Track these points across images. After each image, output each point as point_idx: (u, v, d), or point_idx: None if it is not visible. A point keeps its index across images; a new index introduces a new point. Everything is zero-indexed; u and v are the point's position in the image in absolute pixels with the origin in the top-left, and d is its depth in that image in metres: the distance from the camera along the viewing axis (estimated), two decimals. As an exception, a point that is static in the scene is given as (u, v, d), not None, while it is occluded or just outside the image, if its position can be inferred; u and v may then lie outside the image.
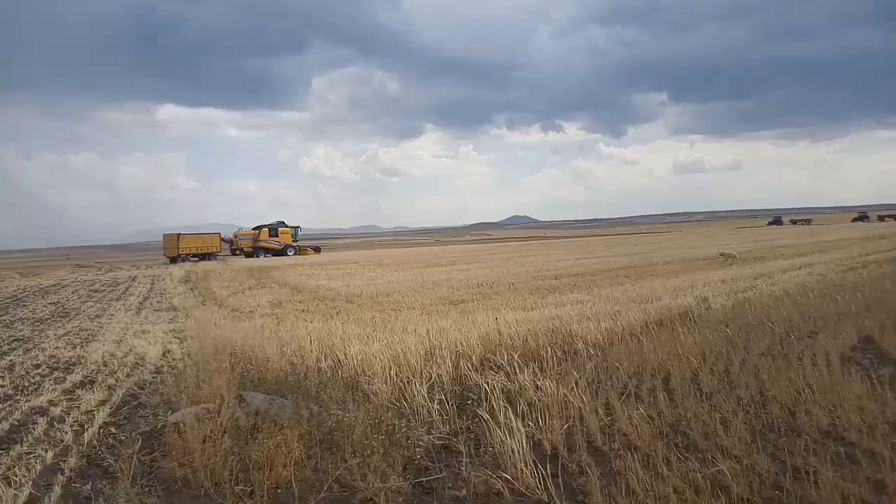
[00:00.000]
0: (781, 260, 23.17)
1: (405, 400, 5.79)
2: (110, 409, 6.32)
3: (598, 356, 7.08)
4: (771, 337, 7.63)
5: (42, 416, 6.23)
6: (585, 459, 4.18)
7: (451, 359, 7.05)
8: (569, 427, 4.83)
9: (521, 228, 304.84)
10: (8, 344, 11.39)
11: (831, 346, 6.56)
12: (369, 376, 6.64)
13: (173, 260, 54.04)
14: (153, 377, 7.70)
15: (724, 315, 9.63)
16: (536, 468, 3.92)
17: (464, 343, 7.72)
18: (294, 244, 60.93)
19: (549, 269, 23.21)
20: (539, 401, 5.36)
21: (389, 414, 5.14)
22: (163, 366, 8.50)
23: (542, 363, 6.81)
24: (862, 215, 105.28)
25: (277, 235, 59.91)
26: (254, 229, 60.46)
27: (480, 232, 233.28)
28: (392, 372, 6.72)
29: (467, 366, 6.57)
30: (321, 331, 9.68)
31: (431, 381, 6.29)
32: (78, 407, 6.49)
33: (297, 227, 63.16)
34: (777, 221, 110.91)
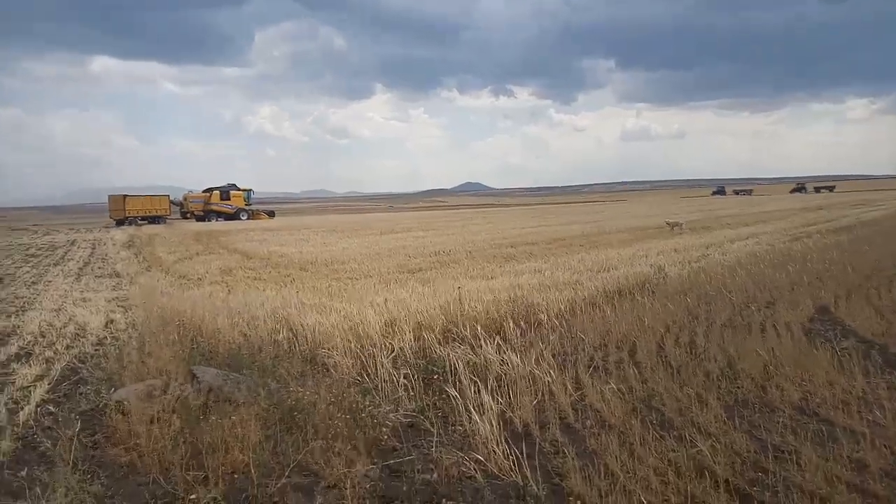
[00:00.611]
0: (728, 230, 23.76)
1: (367, 375, 5.58)
2: (48, 384, 5.87)
3: (561, 327, 7.01)
4: (731, 307, 7.71)
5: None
6: (559, 438, 4.07)
7: (412, 331, 6.85)
8: (538, 403, 4.71)
9: (474, 195, 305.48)
10: (-70, 313, 10.58)
11: (791, 317, 6.67)
12: (328, 349, 6.38)
13: (119, 223, 51.44)
14: (95, 350, 7.22)
15: (682, 285, 9.73)
16: (510, 448, 3.76)
17: (425, 314, 7.53)
18: (247, 208, 58.64)
19: (505, 237, 23.18)
20: (506, 375, 5.24)
21: (353, 390, 4.90)
22: (105, 337, 8.00)
23: (505, 335, 6.69)
24: (799, 186, 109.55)
25: (229, 199, 57.39)
26: (204, 192, 57.85)
27: (434, 199, 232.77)
28: (352, 345, 6.48)
29: (430, 338, 6.37)
30: (275, 300, 9.32)
31: (394, 354, 6.09)
32: (13, 382, 6.00)
33: (250, 189, 60.82)
34: (720, 192, 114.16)
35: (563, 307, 8.02)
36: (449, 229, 30.72)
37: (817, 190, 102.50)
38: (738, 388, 4.75)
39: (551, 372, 5.13)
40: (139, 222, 51.90)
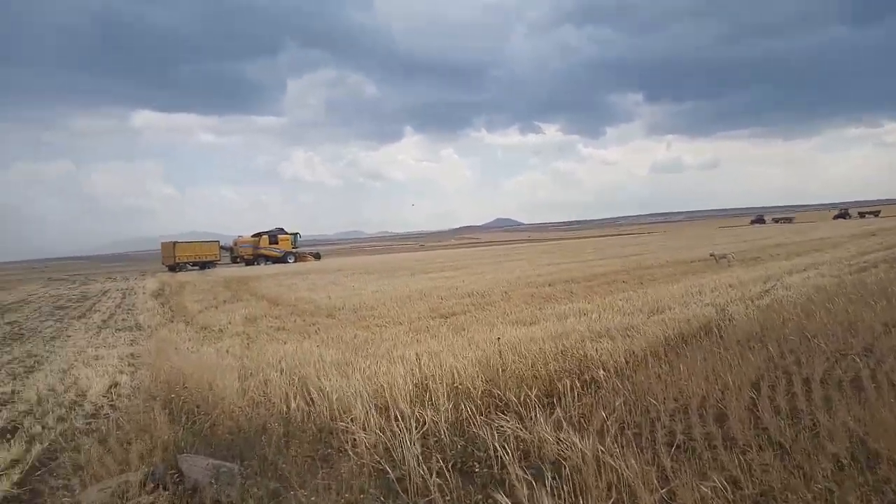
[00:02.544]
0: (781, 261, 22.18)
1: (393, 458, 4.55)
2: (19, 475, 4.98)
3: (624, 387, 5.89)
4: (823, 357, 6.47)
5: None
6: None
7: (446, 395, 5.82)
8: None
9: (506, 231, 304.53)
10: (-61, 376, 9.94)
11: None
12: (348, 422, 5.39)
13: (171, 268, 52.91)
14: (87, 424, 6.34)
15: (752, 328, 8.48)
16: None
17: (461, 372, 6.49)
18: (294, 251, 59.35)
19: (541, 274, 22.02)
20: (565, 459, 4.15)
21: (373, 484, 3.89)
22: (103, 406, 7.14)
23: (559, 398, 5.62)
24: (843, 212, 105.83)
25: (277, 242, 58.31)
26: (253, 236, 58.81)
27: (465, 237, 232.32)
28: (376, 415, 5.48)
29: (469, 408, 5.31)
30: (294, 356, 8.39)
31: (425, 428, 5.06)
32: (-20, 471, 5.15)
33: (297, 233, 61.64)
34: (760, 220, 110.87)
35: (621, 360, 6.90)
36: (481, 268, 29.64)
37: (862, 215, 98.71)
38: (886, 481, 3.56)
39: (623, 454, 4.03)
40: (189, 268, 52.69)
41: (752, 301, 11.33)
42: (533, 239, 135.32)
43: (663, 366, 6.59)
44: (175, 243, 56.03)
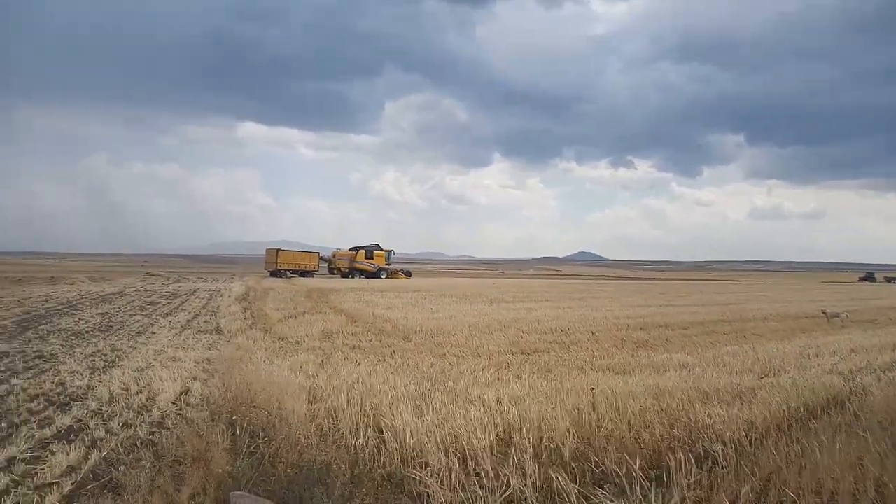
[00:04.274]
0: (904, 325, 19.89)
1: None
2: (70, 486, 4.67)
3: (747, 469, 4.92)
4: None
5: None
6: None
7: (533, 451, 5.09)
8: None
9: (588, 265, 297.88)
10: (25, 362, 10.18)
11: None
12: (420, 471, 4.75)
13: (273, 274, 55.57)
14: (149, 435, 6.04)
15: (892, 405, 7.21)
16: None
17: (550, 424, 5.74)
18: (387, 267, 60.80)
19: (630, 316, 20.67)
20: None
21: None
22: (170, 414, 6.86)
23: (668, 473, 4.75)
24: (868, 275, 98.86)
25: (372, 258, 60.09)
26: (350, 250, 60.74)
27: (545, 267, 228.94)
28: (454, 465, 4.82)
29: (559, 476, 4.52)
30: (367, 381, 7.89)
31: (509, 493, 4.35)
32: (34, 475, 4.88)
33: (391, 250, 63.24)
34: (870, 277, 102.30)
35: (739, 431, 5.89)
36: (564, 302, 28.42)
37: (889, 280, 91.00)
38: None
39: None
40: (289, 274, 54.86)
41: (884, 372, 9.87)
42: (616, 276, 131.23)
43: (792, 444, 5.55)
44: (279, 250, 58.67)
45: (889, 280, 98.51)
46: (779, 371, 9.88)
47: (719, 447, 5.27)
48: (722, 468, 4.94)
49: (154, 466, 4.79)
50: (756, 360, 11.01)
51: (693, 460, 5.01)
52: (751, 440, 5.71)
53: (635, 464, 4.67)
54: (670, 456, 4.88)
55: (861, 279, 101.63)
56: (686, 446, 5.31)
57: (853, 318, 21.93)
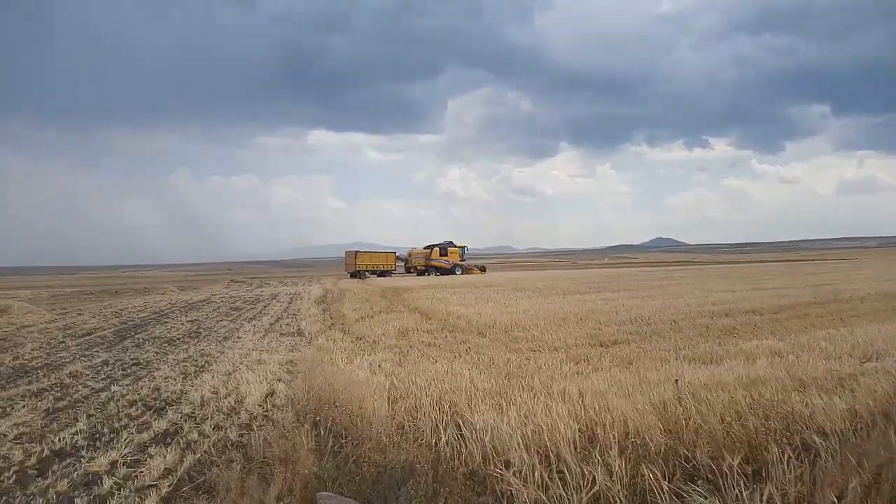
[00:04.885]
0: None
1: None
2: (168, 488, 4.90)
3: (854, 462, 4.56)
4: None
5: (86, 488, 4.96)
6: None
7: (619, 448, 4.91)
8: None
9: (666, 252, 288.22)
10: (123, 369, 10.84)
11: None
12: (502, 469, 4.69)
13: (353, 275, 57.28)
14: (239, 436, 6.29)
15: None
16: None
17: (634, 418, 5.54)
18: (461, 263, 61.59)
19: (714, 302, 19.79)
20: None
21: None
22: (257, 416, 7.12)
23: (765, 468, 4.47)
24: None
25: (447, 255, 61.08)
26: (425, 248, 61.89)
27: (621, 256, 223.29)
28: (536, 463, 4.72)
29: (650, 472, 4.34)
30: (445, 378, 7.89)
31: (595, 490, 4.22)
32: (135, 478, 5.16)
33: (465, 246, 64.25)
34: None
35: (841, 421, 5.48)
36: (643, 290, 27.53)
37: None
38: None
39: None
40: (368, 275, 56.57)
41: None
42: (698, 261, 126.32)
43: (900, 434, 5.11)
44: (357, 252, 60.44)
45: None
46: (882, 355, 9.14)
47: (819, 439, 4.92)
48: (825, 461, 4.61)
49: (244, 468, 4.96)
50: (856, 343, 10.25)
51: (792, 453, 4.71)
52: (855, 430, 5.29)
53: (732, 459, 4.42)
54: (766, 449, 4.59)
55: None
56: (784, 439, 4.98)
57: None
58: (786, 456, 4.54)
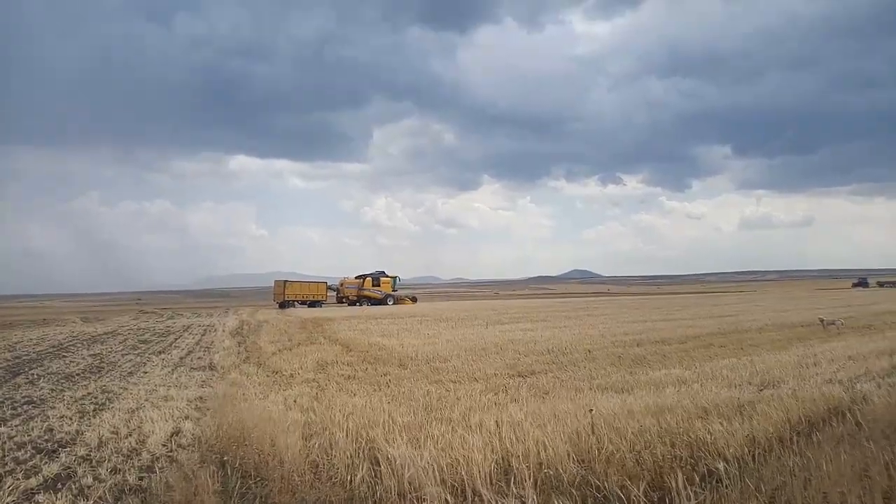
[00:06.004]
0: (899, 330, 19.86)
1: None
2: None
3: (752, 486, 4.80)
4: None
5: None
6: None
7: (533, 479, 4.97)
8: None
9: (583, 283, 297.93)
10: (14, 409, 9.95)
11: None
12: (418, 504, 4.63)
13: (281, 305, 55.69)
14: (137, 480, 5.88)
15: (893, 412, 7.11)
16: None
17: (548, 448, 5.63)
18: (393, 294, 61.00)
19: (627, 332, 20.60)
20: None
21: None
22: (160, 457, 6.69)
23: (669, 495, 4.64)
24: (861, 281, 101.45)
25: (379, 285, 60.29)
26: (356, 278, 60.88)
27: (541, 286, 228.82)
28: (446, 498, 4.70)
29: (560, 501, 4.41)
30: (363, 412, 7.75)
31: (509, 525, 4.23)
32: (18, 530, 4.72)
33: (397, 276, 63.78)
34: (863, 283, 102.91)
35: (741, 447, 5.79)
36: (560, 321, 28.31)
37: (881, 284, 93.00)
38: None
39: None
40: (298, 305, 54.87)
41: (883, 378, 9.79)
42: (612, 292, 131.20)
43: (795, 458, 5.46)
44: (286, 282, 58.82)
45: (882, 285, 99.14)
46: (778, 382, 9.79)
47: (721, 464, 5.17)
48: (726, 487, 4.84)
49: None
50: (754, 371, 10.93)
51: (698, 479, 4.92)
52: (754, 455, 5.61)
53: (637, 487, 4.56)
54: (672, 476, 4.77)
55: (854, 285, 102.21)
56: (688, 465, 5.20)
57: (849, 324, 21.91)
58: (692, 482, 4.74)
